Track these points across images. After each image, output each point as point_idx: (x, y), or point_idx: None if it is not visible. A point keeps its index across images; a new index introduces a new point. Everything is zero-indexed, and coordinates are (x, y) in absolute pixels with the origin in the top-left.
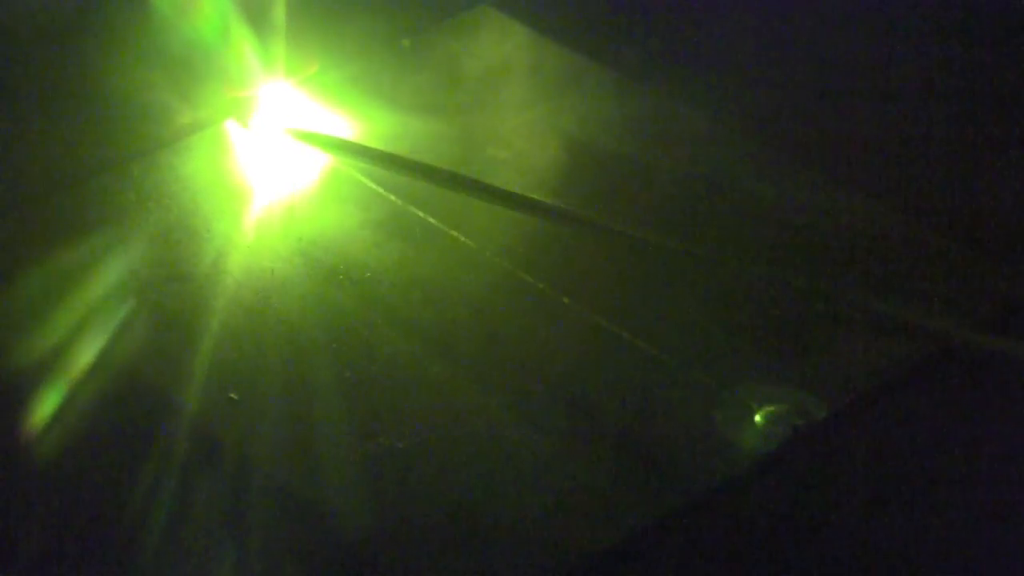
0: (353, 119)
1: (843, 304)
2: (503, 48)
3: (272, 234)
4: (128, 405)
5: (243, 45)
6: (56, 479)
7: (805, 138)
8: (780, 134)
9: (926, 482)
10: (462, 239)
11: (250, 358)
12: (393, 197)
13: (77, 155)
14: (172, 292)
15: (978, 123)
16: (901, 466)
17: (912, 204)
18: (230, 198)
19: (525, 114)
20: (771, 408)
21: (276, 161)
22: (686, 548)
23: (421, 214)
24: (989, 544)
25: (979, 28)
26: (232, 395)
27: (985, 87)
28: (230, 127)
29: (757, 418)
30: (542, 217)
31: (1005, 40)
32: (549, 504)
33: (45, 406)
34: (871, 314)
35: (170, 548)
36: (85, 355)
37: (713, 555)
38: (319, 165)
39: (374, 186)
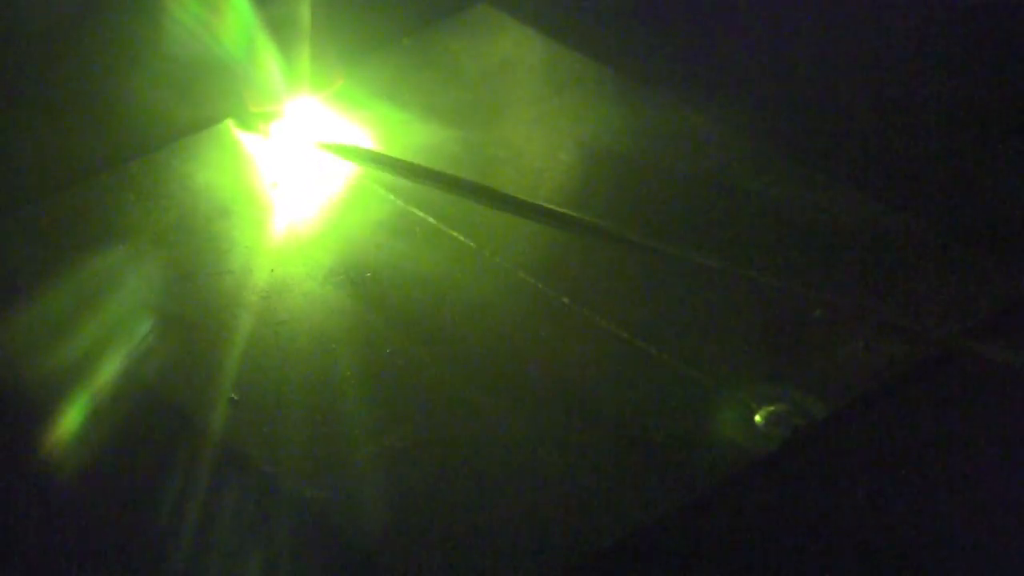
0: (353, 118)
1: (844, 308)
2: (502, 47)
3: (277, 236)
4: (125, 403)
5: (238, 44)
6: (53, 476)
7: (806, 138)
8: (778, 132)
9: (926, 482)
10: (462, 240)
11: (250, 358)
12: (393, 197)
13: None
14: (173, 291)
15: (978, 121)
16: (901, 466)
17: (912, 203)
18: (231, 199)
19: (524, 113)
20: (771, 408)
21: (277, 162)
22: (686, 548)
23: (421, 214)
24: (989, 544)
25: (979, 27)
26: (232, 395)
27: (985, 85)
28: (230, 127)
29: (757, 418)
30: (547, 223)
31: (1006, 38)
32: (549, 504)
33: (45, 403)
34: (872, 318)
35: (169, 548)
36: (84, 353)
37: (713, 555)
38: (321, 166)
39: (376, 187)
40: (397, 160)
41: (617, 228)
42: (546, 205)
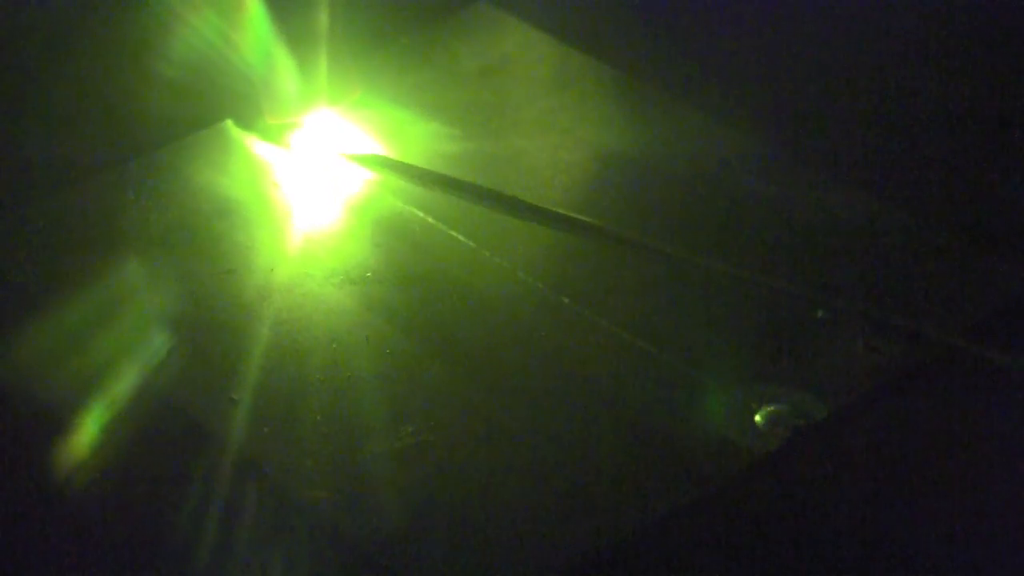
0: (354, 121)
1: (844, 308)
2: (501, 46)
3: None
4: (124, 402)
5: (252, 53)
6: (49, 474)
7: (806, 138)
8: (778, 132)
9: (925, 482)
10: (462, 239)
11: (250, 358)
12: (392, 197)
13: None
14: (173, 290)
15: (978, 121)
16: (901, 466)
17: (912, 203)
18: (232, 199)
19: (524, 113)
20: (771, 408)
21: (278, 164)
22: (686, 548)
23: (421, 214)
24: (989, 544)
25: (979, 27)
26: (232, 395)
27: (985, 85)
28: (231, 128)
29: (757, 418)
30: (547, 223)
31: (1006, 38)
32: (549, 504)
33: (43, 401)
34: (871, 318)
35: (170, 547)
36: (83, 353)
37: (713, 555)
38: (322, 167)
39: (376, 187)
40: (396, 161)
41: (617, 228)
42: (546, 207)
